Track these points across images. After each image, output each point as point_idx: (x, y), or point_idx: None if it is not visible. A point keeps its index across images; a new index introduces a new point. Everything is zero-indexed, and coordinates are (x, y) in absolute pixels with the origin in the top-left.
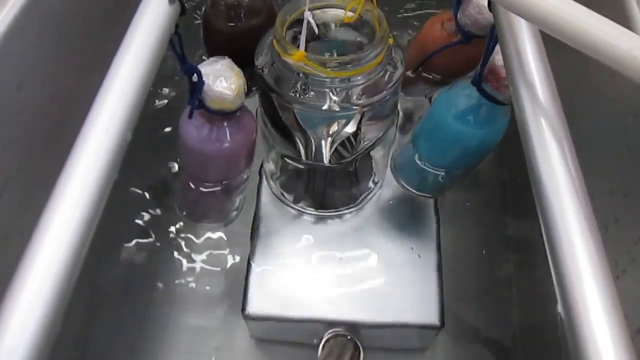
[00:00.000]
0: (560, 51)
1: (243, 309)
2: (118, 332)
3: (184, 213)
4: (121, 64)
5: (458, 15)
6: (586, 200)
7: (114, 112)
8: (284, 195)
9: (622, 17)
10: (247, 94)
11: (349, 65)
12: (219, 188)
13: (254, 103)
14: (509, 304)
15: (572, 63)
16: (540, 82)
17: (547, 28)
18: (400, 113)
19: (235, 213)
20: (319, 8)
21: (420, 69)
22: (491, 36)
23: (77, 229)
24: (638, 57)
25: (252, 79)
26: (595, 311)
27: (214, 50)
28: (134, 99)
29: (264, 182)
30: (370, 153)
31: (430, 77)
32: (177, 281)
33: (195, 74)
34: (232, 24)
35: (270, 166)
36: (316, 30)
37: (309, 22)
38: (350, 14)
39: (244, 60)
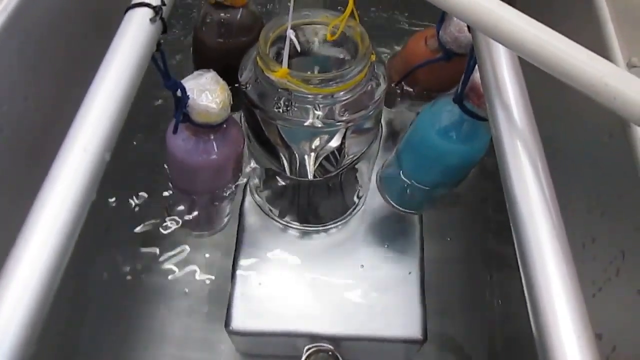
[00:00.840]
0: (537, 71)
1: (227, 324)
2: (101, 346)
3: (173, 221)
4: (101, 84)
5: (440, 32)
6: (559, 220)
7: (93, 132)
8: (270, 210)
9: (598, 43)
10: (235, 107)
11: (331, 82)
12: (207, 200)
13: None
14: (491, 318)
15: (549, 83)
16: (516, 103)
17: (521, 53)
18: (385, 127)
19: (223, 222)
20: (302, 25)
21: (403, 83)
22: (471, 55)
23: (53, 251)
24: (609, 84)
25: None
26: (567, 332)
27: (203, 65)
28: (114, 119)
29: (248, 195)
30: (355, 167)
31: (414, 91)
32: (161, 293)
33: (179, 89)
34: (222, 40)
35: (254, 180)
36: (298, 48)
37: (291, 40)
38: (333, 31)
39: (234, 76)
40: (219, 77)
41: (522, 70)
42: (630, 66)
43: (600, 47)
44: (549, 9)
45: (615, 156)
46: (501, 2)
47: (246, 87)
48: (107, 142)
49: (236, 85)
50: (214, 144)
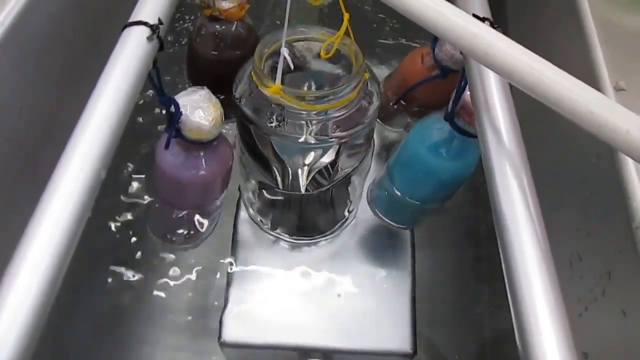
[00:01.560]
0: (526, 93)
1: (219, 336)
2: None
3: (156, 234)
4: (98, 102)
5: (435, 50)
6: (544, 236)
7: (89, 150)
8: (261, 222)
9: (587, 66)
10: (227, 118)
11: (325, 99)
12: (194, 214)
13: (234, 127)
14: (481, 331)
15: (538, 104)
16: (504, 123)
17: (510, 79)
18: (379, 143)
19: (207, 236)
20: (297, 40)
21: (401, 100)
22: (462, 76)
23: (49, 268)
24: (595, 112)
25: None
26: (551, 351)
27: (196, 76)
28: (110, 137)
29: (242, 208)
30: (347, 182)
31: (411, 108)
32: (152, 306)
33: (172, 106)
34: (216, 53)
35: (247, 193)
36: (292, 66)
37: (284, 57)
38: (327, 49)
39: (227, 87)
40: (212, 95)
41: (512, 92)
42: (618, 89)
43: (588, 70)
44: (539, 32)
45: (602, 178)
46: (491, 29)
47: (240, 101)
48: (103, 160)
49: (222, 96)
50: (203, 160)
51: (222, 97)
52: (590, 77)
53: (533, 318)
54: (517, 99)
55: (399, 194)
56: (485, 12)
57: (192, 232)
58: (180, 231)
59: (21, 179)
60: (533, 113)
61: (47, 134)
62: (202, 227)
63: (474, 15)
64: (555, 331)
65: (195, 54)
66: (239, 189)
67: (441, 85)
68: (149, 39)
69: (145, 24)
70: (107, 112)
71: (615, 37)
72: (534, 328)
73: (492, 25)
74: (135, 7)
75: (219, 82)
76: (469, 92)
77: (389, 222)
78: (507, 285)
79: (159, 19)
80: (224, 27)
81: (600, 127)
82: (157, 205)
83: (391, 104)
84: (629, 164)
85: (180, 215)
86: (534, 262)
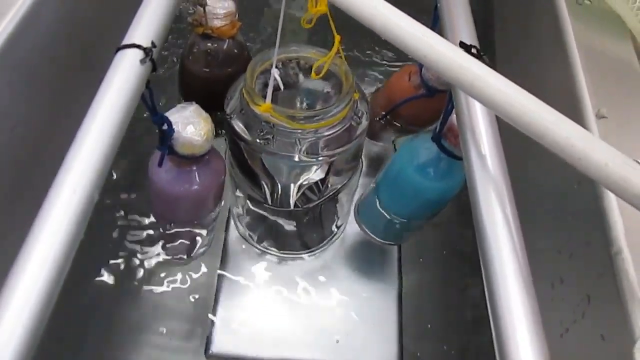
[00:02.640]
0: None
1: (206, 349)
2: None
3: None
4: (91, 125)
5: (422, 69)
6: (525, 261)
7: (82, 173)
8: (250, 236)
9: (570, 94)
10: (217, 135)
11: (315, 118)
12: (189, 228)
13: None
14: (467, 345)
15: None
16: (489, 148)
17: (494, 110)
18: (367, 159)
19: (203, 250)
20: (289, 59)
21: (387, 117)
22: (449, 100)
23: (42, 289)
24: (575, 146)
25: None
26: None
27: (189, 92)
28: (103, 160)
29: (232, 221)
30: (335, 198)
31: (397, 124)
32: (140, 318)
33: (165, 124)
34: (208, 70)
35: (237, 207)
36: (281, 87)
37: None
38: (317, 70)
39: (218, 104)
40: (201, 110)
41: (497, 117)
42: (599, 116)
43: (572, 97)
44: (526, 59)
45: (583, 203)
46: (477, 61)
47: (231, 118)
48: (96, 182)
49: (219, 113)
50: (196, 174)
51: (217, 113)
52: (573, 104)
53: (513, 340)
54: (502, 124)
55: (385, 211)
56: (472, 39)
57: (187, 246)
58: (175, 245)
59: (14, 198)
60: (517, 139)
61: (40, 152)
62: (197, 241)
63: (461, 43)
64: (534, 351)
65: (187, 71)
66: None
67: (427, 104)
68: (142, 62)
69: (138, 46)
70: (100, 136)
71: (599, 65)
72: (514, 348)
73: (479, 52)
74: (129, 30)
75: (211, 99)
76: (455, 116)
77: (376, 238)
78: (488, 306)
79: (152, 42)
80: (215, 44)
81: (580, 160)
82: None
83: (377, 119)
84: (609, 192)
85: (175, 229)
86: (515, 284)
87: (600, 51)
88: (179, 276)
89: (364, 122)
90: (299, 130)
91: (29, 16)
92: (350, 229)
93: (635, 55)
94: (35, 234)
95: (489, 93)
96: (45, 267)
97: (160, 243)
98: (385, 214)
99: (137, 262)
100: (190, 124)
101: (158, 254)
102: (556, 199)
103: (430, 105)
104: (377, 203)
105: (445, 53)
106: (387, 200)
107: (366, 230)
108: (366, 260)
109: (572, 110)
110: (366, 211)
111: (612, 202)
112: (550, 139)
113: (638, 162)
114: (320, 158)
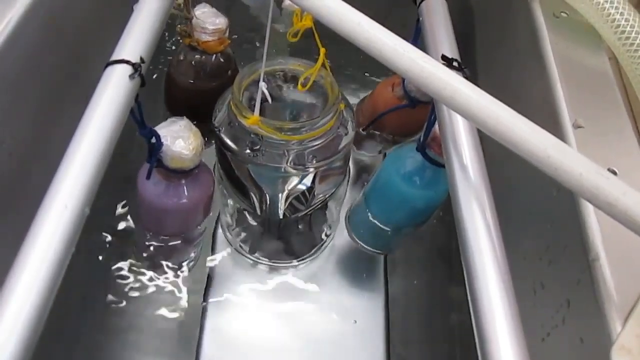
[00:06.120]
0: None
1: (196, 359)
2: None
3: (139, 260)
4: (81, 140)
5: (405, 81)
6: (506, 267)
7: (73, 188)
8: (240, 246)
9: (548, 104)
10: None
11: (302, 130)
12: (177, 241)
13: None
14: (453, 349)
15: None
16: (470, 158)
17: (474, 122)
18: (354, 168)
19: (192, 263)
20: (276, 72)
21: (371, 127)
22: (432, 111)
23: (35, 303)
24: (551, 156)
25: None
26: None
27: (174, 103)
28: (94, 174)
29: (220, 231)
30: (324, 207)
31: (381, 134)
32: (128, 331)
33: (153, 137)
34: (194, 82)
35: (226, 217)
36: (269, 99)
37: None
38: (304, 82)
39: (204, 116)
40: (191, 124)
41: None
42: (576, 127)
43: (550, 108)
44: (506, 71)
45: (562, 210)
46: (457, 75)
47: (219, 130)
48: (87, 197)
49: (203, 124)
50: (185, 188)
51: (202, 124)
52: (551, 115)
53: (495, 344)
54: (484, 134)
55: (374, 219)
56: (453, 52)
57: (175, 259)
58: (164, 257)
59: (3, 213)
60: (498, 148)
61: (30, 166)
62: (185, 254)
63: (443, 57)
64: (514, 353)
65: (173, 82)
66: (218, 214)
67: (410, 115)
68: (131, 77)
69: (127, 62)
70: (91, 150)
71: (576, 77)
72: (495, 352)
73: (459, 65)
74: (117, 45)
75: (197, 111)
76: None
77: (364, 246)
78: (471, 311)
79: (141, 57)
80: (202, 57)
81: (556, 169)
82: (140, 233)
83: (361, 129)
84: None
85: (163, 242)
86: (496, 290)
87: (577, 63)
88: (166, 288)
89: (351, 133)
90: (287, 142)
91: (17, 30)
92: (339, 237)
93: (610, 66)
94: (28, 248)
95: (468, 105)
96: (37, 280)
97: (146, 255)
98: (374, 223)
99: (124, 275)
100: (179, 138)
101: (147, 268)
102: (536, 206)
103: (414, 116)
104: (366, 212)
105: (426, 68)
106: (376, 209)
107: (355, 238)
108: (355, 268)
109: (550, 120)
110: (357, 221)
111: (590, 210)
112: (527, 149)
113: (611, 171)
114: (307, 168)
